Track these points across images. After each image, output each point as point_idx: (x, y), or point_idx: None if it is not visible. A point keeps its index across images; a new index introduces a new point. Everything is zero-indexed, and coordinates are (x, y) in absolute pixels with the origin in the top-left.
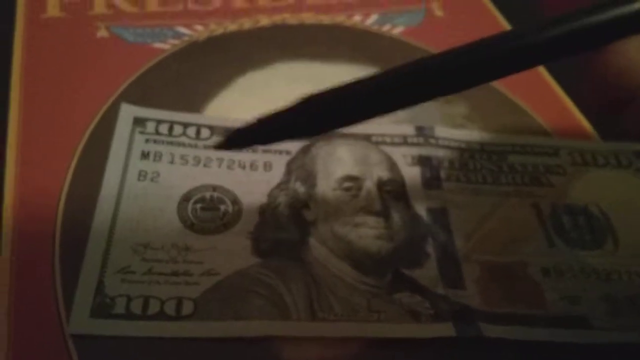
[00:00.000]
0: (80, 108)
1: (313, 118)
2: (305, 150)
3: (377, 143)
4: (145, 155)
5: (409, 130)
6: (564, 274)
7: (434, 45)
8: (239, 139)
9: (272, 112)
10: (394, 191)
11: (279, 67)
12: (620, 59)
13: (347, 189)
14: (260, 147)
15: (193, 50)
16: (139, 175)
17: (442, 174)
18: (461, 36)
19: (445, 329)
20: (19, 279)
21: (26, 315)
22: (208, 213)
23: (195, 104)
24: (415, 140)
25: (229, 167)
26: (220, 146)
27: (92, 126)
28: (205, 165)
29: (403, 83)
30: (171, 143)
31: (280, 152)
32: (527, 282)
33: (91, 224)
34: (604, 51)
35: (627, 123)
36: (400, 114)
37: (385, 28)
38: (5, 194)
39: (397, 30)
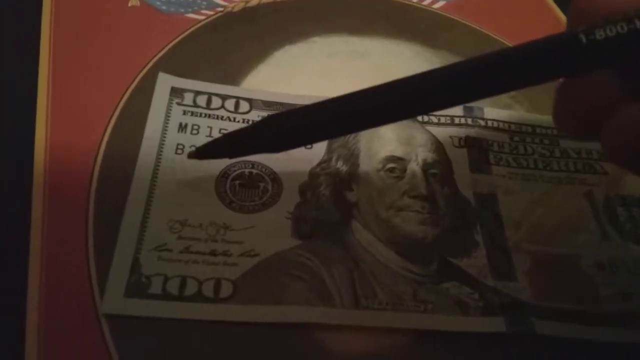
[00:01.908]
0: (112, 79)
1: (272, 136)
2: None
3: (423, 122)
4: (182, 128)
5: (457, 110)
6: (619, 269)
7: (474, 20)
8: (209, 151)
9: (237, 129)
10: (439, 174)
11: (317, 41)
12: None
13: (391, 170)
14: None
15: (228, 21)
16: (176, 148)
17: (492, 157)
18: (501, 11)
19: (496, 324)
20: (51, 255)
21: (58, 293)
22: (247, 190)
23: (232, 77)
24: (463, 120)
25: None
26: (191, 156)
27: (125, 97)
28: None
29: (352, 109)
30: (209, 116)
31: None
32: (580, 276)
33: (127, 197)
34: None
35: (603, 147)
36: None
37: (426, 2)
38: (35, 169)
39: (438, 5)
